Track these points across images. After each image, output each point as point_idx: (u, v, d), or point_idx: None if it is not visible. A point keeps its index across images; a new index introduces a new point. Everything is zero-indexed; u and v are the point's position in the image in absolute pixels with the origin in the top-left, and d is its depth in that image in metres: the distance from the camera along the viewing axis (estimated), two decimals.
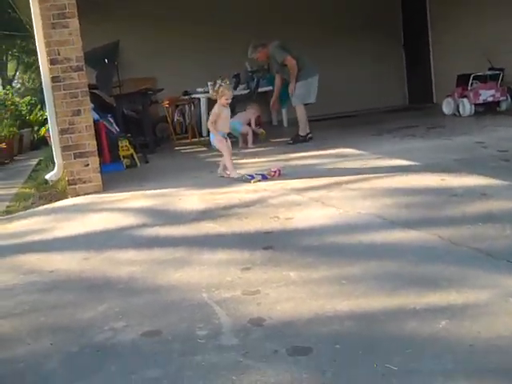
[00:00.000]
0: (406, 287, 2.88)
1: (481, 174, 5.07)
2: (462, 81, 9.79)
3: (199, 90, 10.91)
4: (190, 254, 3.83)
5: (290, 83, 8.64)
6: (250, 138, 8.99)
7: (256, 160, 7.38)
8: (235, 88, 10.38)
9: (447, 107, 10.05)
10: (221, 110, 6.40)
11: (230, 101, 6.48)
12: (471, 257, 3.19)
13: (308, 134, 8.65)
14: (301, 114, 8.65)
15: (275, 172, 6.01)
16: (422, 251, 3.36)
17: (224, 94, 6.38)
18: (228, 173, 6.33)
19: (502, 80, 9.45)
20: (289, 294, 2.94)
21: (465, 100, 9.55)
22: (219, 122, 6.40)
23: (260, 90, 10.34)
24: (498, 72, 9.53)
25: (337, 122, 11.18)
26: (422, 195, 4.67)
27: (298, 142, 8.50)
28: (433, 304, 2.65)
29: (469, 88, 9.53)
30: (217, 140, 6.43)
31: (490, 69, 9.81)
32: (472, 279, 2.89)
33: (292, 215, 4.45)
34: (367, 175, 5.58)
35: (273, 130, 10.89)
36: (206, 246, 3.95)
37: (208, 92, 10.61)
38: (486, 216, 3.89)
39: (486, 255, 3.17)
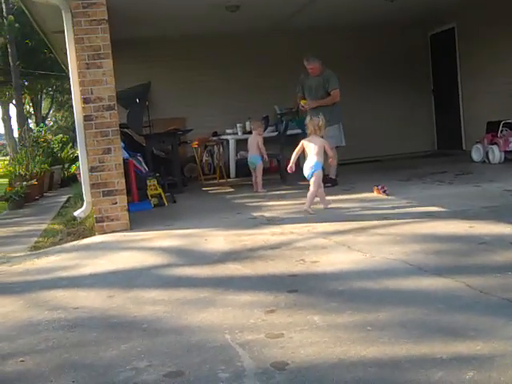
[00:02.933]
0: (432, 335, 2.83)
1: (510, 222, 5.01)
2: (492, 127, 9.77)
3: (228, 131, 11.02)
4: (215, 295, 3.82)
5: (315, 100, 8.74)
6: (258, 181, 8.93)
7: (283, 203, 7.39)
8: (264, 130, 10.46)
9: (476, 154, 10.00)
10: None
11: None
12: (500, 306, 3.14)
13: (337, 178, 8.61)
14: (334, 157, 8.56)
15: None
16: (450, 299, 3.31)
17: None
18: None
19: None
20: (313, 339, 2.91)
21: (494, 147, 9.50)
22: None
23: (289, 132, 10.39)
24: None
25: (366, 167, 11.18)
26: (450, 242, 4.62)
27: (328, 182, 8.35)
28: (460, 353, 2.60)
29: (498, 135, 9.49)
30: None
31: None
32: (500, 329, 2.84)
33: (318, 259, 4.43)
34: (395, 220, 5.55)
35: (300, 172, 10.90)
36: (230, 288, 3.94)
37: (237, 133, 10.76)
38: None
39: None
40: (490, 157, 9.59)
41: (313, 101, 8.79)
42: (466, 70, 12.16)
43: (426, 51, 13.48)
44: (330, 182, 8.46)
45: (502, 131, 9.50)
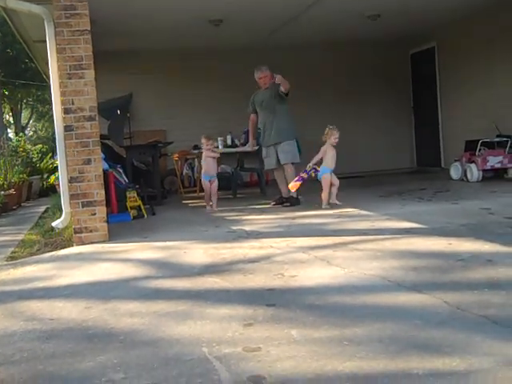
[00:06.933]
0: (409, 351, 2.84)
1: (487, 240, 5.05)
2: (470, 146, 9.88)
3: None
4: (193, 308, 3.80)
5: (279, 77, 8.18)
6: (213, 197, 8.59)
7: (262, 216, 7.40)
8: (245, 144, 10.49)
9: (455, 172, 10.10)
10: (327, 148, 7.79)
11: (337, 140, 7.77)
12: (476, 323, 3.15)
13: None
14: (292, 173, 8.27)
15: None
16: (427, 315, 3.32)
17: (333, 134, 7.75)
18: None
19: (510, 147, 9.51)
20: (290, 353, 2.91)
21: (472, 165, 9.60)
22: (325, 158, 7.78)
23: None
24: (505, 139, 9.61)
25: (345, 183, 11.17)
26: (428, 258, 4.65)
27: (297, 203, 8.25)
28: (436, 369, 2.61)
29: (477, 154, 9.59)
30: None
31: (497, 135, 9.89)
32: (476, 346, 2.85)
33: (296, 273, 4.43)
34: (374, 236, 5.57)
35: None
36: (208, 301, 3.93)
37: (218, 147, 10.76)
38: (492, 283, 3.86)
39: (492, 322, 3.13)
40: (468, 175, 9.68)
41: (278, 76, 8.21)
42: (446, 89, 12.31)
43: (406, 69, 13.63)
44: (289, 201, 8.30)
45: (479, 150, 9.61)
